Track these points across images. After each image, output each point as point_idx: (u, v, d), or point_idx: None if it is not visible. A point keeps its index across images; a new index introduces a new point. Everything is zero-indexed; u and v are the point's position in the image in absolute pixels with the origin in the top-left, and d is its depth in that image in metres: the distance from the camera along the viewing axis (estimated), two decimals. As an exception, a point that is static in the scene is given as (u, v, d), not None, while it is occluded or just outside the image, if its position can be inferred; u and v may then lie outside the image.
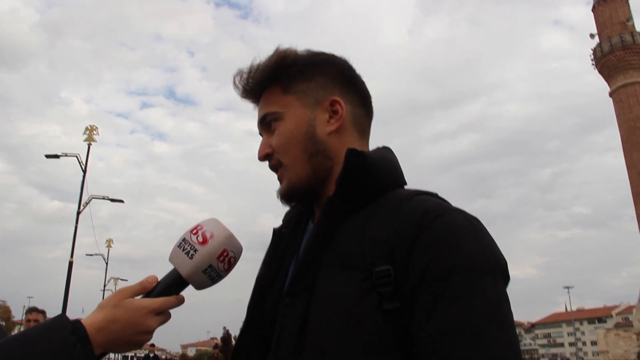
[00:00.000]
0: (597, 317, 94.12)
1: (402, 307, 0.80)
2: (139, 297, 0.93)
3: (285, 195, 1.05)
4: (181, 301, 0.96)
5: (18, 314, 54.36)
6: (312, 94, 1.04)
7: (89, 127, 18.70)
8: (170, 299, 0.94)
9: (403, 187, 1.00)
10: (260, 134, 1.09)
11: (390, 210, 0.89)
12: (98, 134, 18.79)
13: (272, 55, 1.04)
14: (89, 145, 18.44)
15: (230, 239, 0.96)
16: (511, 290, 0.84)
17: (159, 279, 0.96)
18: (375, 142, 1.10)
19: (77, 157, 17.96)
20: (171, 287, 0.95)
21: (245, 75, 1.06)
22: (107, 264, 32.02)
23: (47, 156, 18.16)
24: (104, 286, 32.23)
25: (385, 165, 1.00)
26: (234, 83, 1.07)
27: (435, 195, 0.94)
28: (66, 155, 18.00)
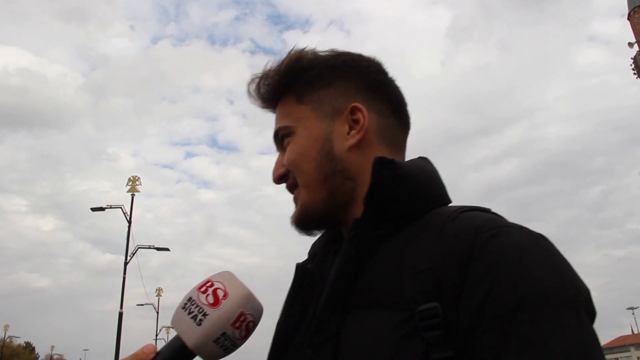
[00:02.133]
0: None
1: (457, 357, 0.60)
2: None
3: (298, 222, 0.88)
4: None
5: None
6: (330, 103, 0.87)
7: (131, 178, 19.23)
8: None
9: (447, 205, 0.81)
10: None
11: (433, 232, 0.70)
12: (140, 184, 19.28)
13: (285, 59, 0.89)
14: (133, 195, 18.93)
15: (249, 299, 0.76)
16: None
17: (159, 349, 0.75)
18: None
19: (121, 208, 18.45)
20: (173, 359, 0.74)
21: (257, 83, 0.92)
22: (157, 313, 32.24)
23: (93, 209, 18.74)
24: (156, 335, 32.38)
25: (424, 177, 0.81)
26: (249, 92, 0.93)
27: (487, 211, 0.74)
28: (111, 207, 18.50)
